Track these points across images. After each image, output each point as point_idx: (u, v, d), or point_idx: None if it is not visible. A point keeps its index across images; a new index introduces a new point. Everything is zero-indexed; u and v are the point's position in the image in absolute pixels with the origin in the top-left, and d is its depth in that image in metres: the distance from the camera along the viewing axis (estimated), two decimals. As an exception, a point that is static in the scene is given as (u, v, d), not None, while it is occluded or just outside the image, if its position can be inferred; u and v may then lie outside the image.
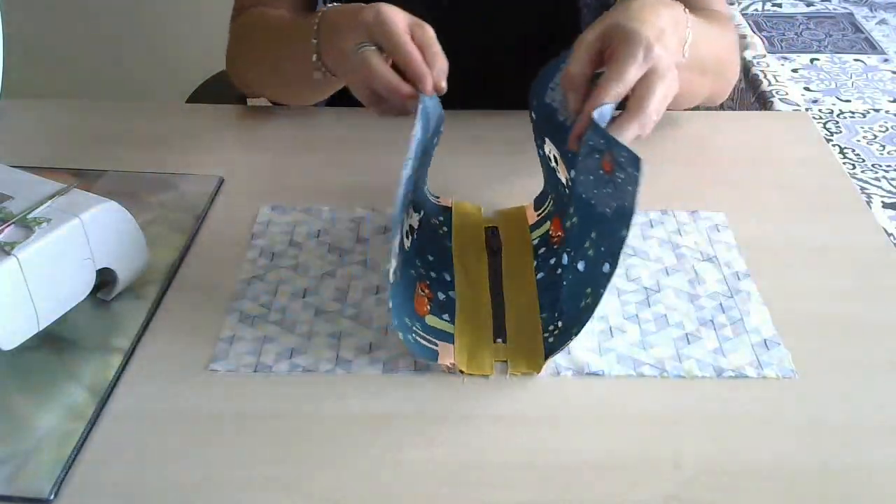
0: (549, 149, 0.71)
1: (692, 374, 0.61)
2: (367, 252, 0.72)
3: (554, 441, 0.56)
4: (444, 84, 0.69)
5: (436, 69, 0.68)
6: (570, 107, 0.66)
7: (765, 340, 0.63)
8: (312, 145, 0.88)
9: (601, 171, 0.61)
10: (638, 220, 0.76)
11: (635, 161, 0.57)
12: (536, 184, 0.78)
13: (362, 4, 0.72)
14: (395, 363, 0.61)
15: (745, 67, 1.61)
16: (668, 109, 0.70)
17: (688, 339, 0.63)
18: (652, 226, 0.75)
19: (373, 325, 0.65)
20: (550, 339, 0.62)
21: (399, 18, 0.68)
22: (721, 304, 0.67)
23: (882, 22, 1.78)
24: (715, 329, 0.64)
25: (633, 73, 0.63)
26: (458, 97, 0.92)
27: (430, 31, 0.70)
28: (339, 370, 0.61)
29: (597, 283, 0.58)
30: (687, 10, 0.73)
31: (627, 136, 0.63)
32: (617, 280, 0.69)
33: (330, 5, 0.77)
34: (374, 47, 0.69)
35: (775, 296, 0.68)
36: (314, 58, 0.75)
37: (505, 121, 0.91)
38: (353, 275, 0.70)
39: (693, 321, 0.65)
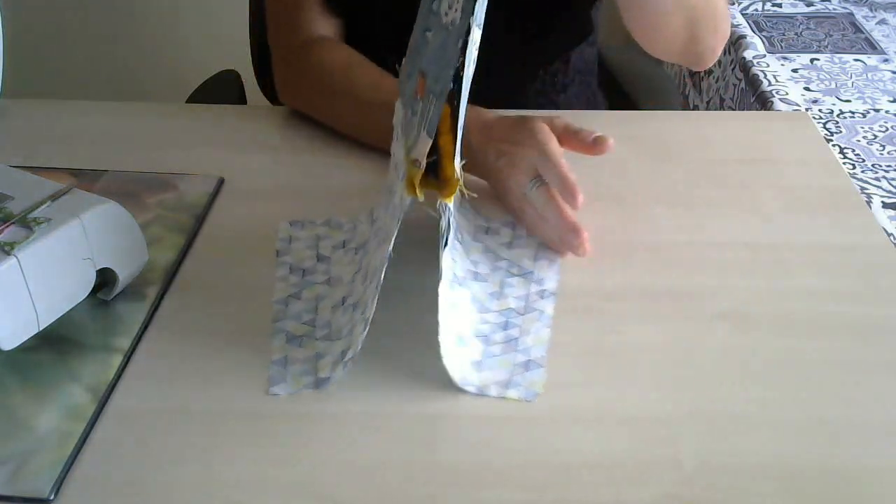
0: None
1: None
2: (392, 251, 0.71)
3: (554, 441, 0.56)
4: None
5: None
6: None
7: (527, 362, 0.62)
8: (312, 145, 0.88)
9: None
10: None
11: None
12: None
13: (508, 118, 0.74)
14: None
15: (745, 67, 1.61)
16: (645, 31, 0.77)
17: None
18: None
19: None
20: None
21: (558, 147, 0.70)
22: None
23: (882, 22, 1.78)
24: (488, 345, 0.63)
25: None
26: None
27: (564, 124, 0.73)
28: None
29: None
30: None
31: None
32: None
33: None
34: (544, 185, 0.71)
35: (775, 296, 0.68)
36: None
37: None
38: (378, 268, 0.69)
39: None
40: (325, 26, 0.90)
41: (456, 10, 0.57)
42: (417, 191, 0.58)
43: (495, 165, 0.73)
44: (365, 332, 0.59)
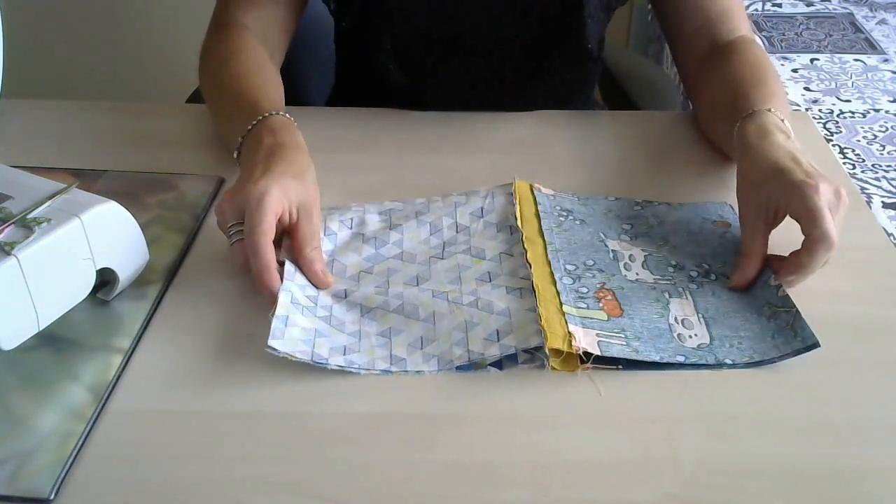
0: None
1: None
2: (402, 243, 0.72)
3: (554, 441, 0.56)
4: (330, 279, 0.68)
5: (317, 267, 0.67)
6: (747, 274, 0.68)
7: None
8: (311, 145, 0.87)
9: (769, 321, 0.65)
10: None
11: (808, 340, 0.62)
12: (535, 182, 0.78)
13: (263, 164, 0.69)
14: (449, 356, 0.62)
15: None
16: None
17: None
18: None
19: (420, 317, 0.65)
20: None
21: (273, 210, 0.65)
22: None
23: (882, 22, 1.78)
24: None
25: (828, 216, 0.64)
26: (461, 100, 0.93)
27: (315, 226, 0.68)
28: (395, 369, 0.61)
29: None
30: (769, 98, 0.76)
31: (819, 263, 0.65)
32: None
33: (263, 117, 0.75)
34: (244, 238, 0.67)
35: (775, 296, 0.68)
36: (235, 154, 0.76)
37: (506, 122, 0.91)
38: (392, 269, 0.70)
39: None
40: (252, 16, 0.89)
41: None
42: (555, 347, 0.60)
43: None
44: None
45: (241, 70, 0.84)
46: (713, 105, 0.85)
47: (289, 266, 0.67)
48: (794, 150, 0.70)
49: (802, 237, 0.66)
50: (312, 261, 0.67)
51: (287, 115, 0.77)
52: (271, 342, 0.60)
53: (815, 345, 0.62)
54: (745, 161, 0.72)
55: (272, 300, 0.64)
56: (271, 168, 0.69)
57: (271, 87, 0.82)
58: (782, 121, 0.74)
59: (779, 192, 0.67)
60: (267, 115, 0.75)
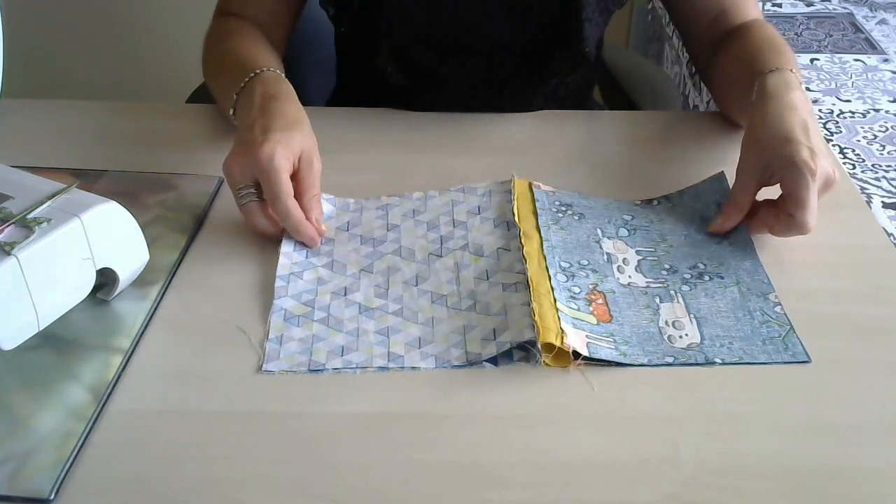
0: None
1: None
2: (401, 240, 0.73)
3: (554, 441, 0.56)
4: (323, 227, 0.72)
5: (312, 215, 0.72)
6: (727, 223, 0.72)
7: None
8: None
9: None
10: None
11: (798, 357, 0.63)
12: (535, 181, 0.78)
13: (265, 119, 0.72)
14: (447, 356, 0.62)
15: (745, 67, 1.60)
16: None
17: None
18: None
19: (418, 320, 0.65)
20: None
21: (286, 169, 0.69)
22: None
23: (882, 22, 1.78)
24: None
25: (814, 203, 0.68)
26: (461, 101, 0.93)
27: (315, 173, 0.73)
28: (393, 365, 0.61)
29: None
30: (789, 66, 0.77)
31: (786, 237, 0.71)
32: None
33: (255, 73, 0.79)
34: (256, 199, 0.71)
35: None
36: (231, 112, 0.79)
37: (505, 123, 0.91)
38: (391, 267, 0.70)
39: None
40: (251, 9, 0.92)
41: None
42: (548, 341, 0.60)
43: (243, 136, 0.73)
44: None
45: (235, 44, 0.87)
46: (729, 76, 0.87)
47: (280, 279, 0.68)
48: (808, 116, 0.73)
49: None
50: (310, 208, 0.71)
51: (277, 71, 0.80)
52: (267, 366, 0.61)
53: (806, 361, 0.62)
54: (757, 114, 0.74)
55: (315, 243, 0.72)
56: (269, 125, 0.72)
57: (264, 54, 0.85)
58: (800, 84, 0.76)
59: (779, 164, 0.69)
60: (259, 71, 0.79)
